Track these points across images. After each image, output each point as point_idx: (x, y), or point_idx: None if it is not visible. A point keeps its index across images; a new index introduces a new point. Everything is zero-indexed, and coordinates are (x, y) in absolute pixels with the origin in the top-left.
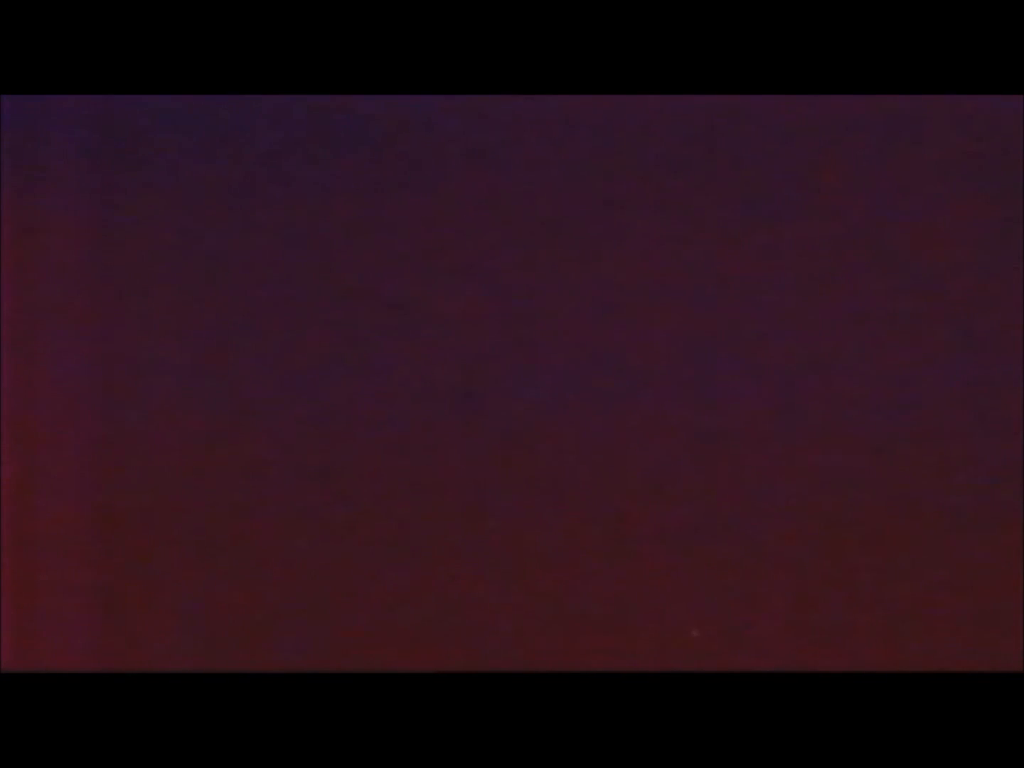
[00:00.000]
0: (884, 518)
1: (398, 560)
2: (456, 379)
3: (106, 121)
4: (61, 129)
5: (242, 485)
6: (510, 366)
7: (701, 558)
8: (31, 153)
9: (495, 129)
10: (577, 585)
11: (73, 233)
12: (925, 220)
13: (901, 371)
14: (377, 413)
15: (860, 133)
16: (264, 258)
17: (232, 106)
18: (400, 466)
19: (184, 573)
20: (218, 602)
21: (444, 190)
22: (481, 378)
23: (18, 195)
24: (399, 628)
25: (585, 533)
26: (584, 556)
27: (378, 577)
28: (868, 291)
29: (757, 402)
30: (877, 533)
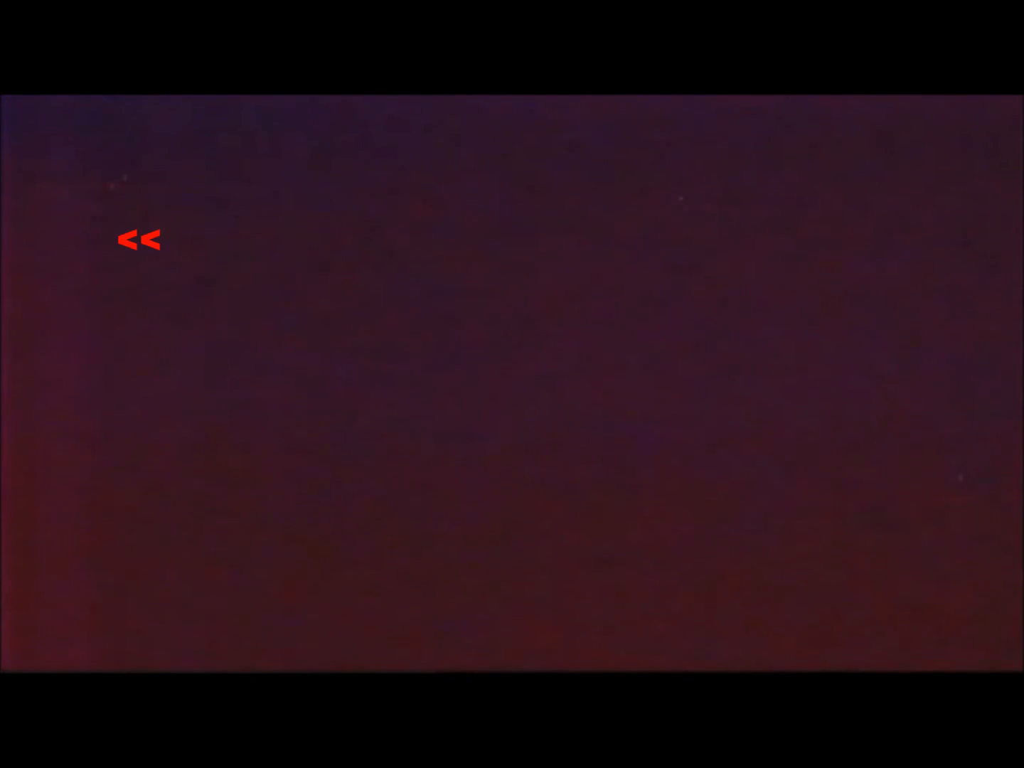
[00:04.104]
0: (884, 518)
1: (398, 561)
2: (455, 379)
3: (106, 121)
4: (61, 129)
5: (242, 486)
6: (510, 366)
7: (699, 558)
8: (31, 153)
9: (496, 129)
10: (576, 586)
11: (73, 233)
12: (924, 220)
13: (899, 371)
14: (379, 412)
15: (859, 133)
16: (265, 257)
17: (232, 106)
18: (401, 466)
19: (184, 573)
20: (218, 602)
21: (443, 190)
22: (480, 378)
23: (18, 195)
24: (399, 628)
25: (584, 534)
26: (583, 557)
27: (378, 578)
28: (865, 290)
29: (755, 402)
30: (877, 533)
